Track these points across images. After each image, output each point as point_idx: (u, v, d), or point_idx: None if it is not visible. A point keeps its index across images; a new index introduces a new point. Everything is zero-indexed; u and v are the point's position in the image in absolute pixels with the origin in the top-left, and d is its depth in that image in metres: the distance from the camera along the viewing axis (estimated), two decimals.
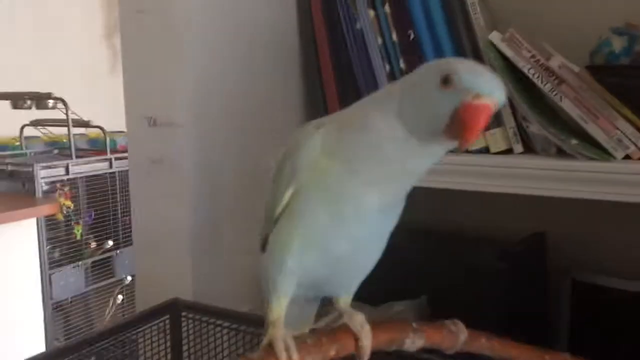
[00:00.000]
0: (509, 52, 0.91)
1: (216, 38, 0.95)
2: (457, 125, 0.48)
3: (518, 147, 0.94)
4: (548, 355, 0.64)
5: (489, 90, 0.48)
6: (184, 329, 0.84)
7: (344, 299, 0.62)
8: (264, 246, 0.61)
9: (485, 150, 0.96)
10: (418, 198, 1.17)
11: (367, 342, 0.55)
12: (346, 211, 0.54)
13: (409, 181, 0.55)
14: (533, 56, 0.90)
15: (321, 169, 0.54)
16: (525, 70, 0.90)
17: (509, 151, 0.95)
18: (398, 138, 0.51)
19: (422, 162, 0.54)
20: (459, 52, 0.96)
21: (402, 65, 1.01)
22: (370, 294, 1.07)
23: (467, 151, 0.95)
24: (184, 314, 0.83)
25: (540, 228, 1.11)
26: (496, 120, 0.94)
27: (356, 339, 0.56)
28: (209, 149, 0.93)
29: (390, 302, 1.06)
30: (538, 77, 0.90)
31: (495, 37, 0.92)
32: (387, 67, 1.02)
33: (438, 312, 1.04)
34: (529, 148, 0.94)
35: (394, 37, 1.01)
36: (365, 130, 0.53)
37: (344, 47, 1.06)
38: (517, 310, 1.00)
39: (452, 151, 0.87)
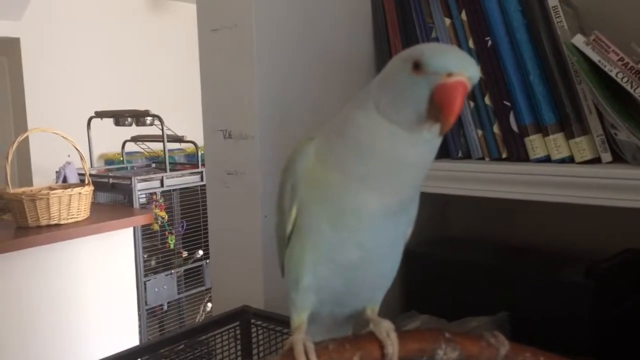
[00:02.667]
0: (594, 56, 0.86)
1: (288, 54, 0.97)
2: (436, 108, 0.47)
3: (606, 156, 0.88)
4: None
5: (459, 67, 0.48)
6: (254, 335, 0.85)
7: (371, 308, 0.60)
8: (283, 270, 0.60)
9: (570, 160, 0.90)
10: (500, 210, 1.14)
11: (392, 350, 0.53)
12: (349, 220, 0.52)
13: (411, 177, 0.53)
14: (621, 59, 0.84)
15: (318, 180, 0.53)
16: (613, 75, 0.84)
17: (595, 160, 0.89)
18: (383, 132, 0.50)
19: (418, 153, 0.51)
20: (540, 57, 0.92)
21: (479, 72, 0.98)
22: (448, 308, 1.05)
23: (550, 160, 0.90)
24: (253, 321, 0.85)
25: (631, 243, 1.02)
26: (581, 127, 0.89)
27: (382, 347, 0.53)
28: (279, 160, 0.94)
29: (467, 317, 1.02)
30: (627, 81, 0.84)
31: (579, 40, 0.87)
32: None
33: (519, 329, 0.99)
34: (618, 157, 0.87)
35: (471, 44, 0.98)
36: (350, 132, 0.52)
37: None
38: (607, 331, 0.93)
39: (534, 161, 0.83)
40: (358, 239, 0.53)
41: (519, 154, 0.93)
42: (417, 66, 0.48)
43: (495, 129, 0.96)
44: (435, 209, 1.25)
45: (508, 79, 0.94)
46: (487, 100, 0.96)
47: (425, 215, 1.20)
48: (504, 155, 0.95)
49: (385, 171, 0.51)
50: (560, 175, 0.86)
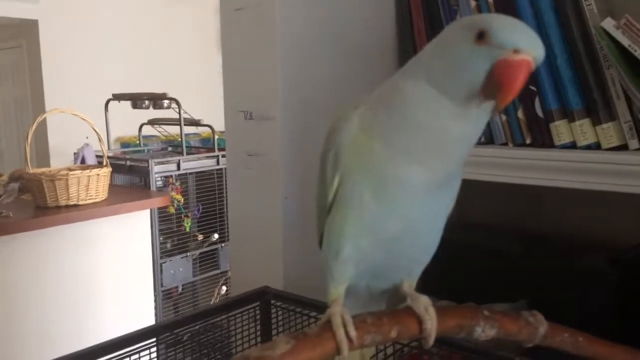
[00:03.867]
0: (625, 40, 0.84)
1: (311, 34, 0.96)
2: (494, 84, 0.45)
3: (634, 143, 0.86)
4: None
5: (528, 44, 0.45)
6: (273, 316, 0.85)
7: (409, 282, 0.59)
8: (321, 241, 0.60)
9: (596, 146, 0.89)
10: (521, 197, 1.12)
11: (431, 325, 0.52)
12: (392, 192, 0.51)
13: (455, 152, 0.51)
14: None
15: (362, 149, 0.52)
16: None
17: (622, 147, 0.87)
18: (431, 103, 0.48)
19: (465, 129, 0.49)
20: (568, 41, 0.90)
21: None
22: (465, 295, 1.04)
23: (576, 147, 0.89)
24: (273, 302, 0.85)
25: None
26: (609, 113, 0.87)
27: (420, 322, 0.52)
28: (301, 142, 0.94)
29: (487, 304, 1.02)
30: None
31: (608, 24, 0.85)
32: None
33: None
34: None
35: None
36: (396, 101, 0.50)
37: None
38: (631, 320, 0.92)
39: (559, 147, 0.81)
40: (400, 211, 0.52)
41: (543, 140, 0.92)
42: (482, 36, 0.46)
43: (520, 114, 0.94)
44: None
45: None
46: None
47: None
48: (528, 141, 0.94)
49: (429, 145, 0.49)
50: (586, 161, 0.85)
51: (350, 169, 0.53)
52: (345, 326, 0.49)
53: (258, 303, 0.85)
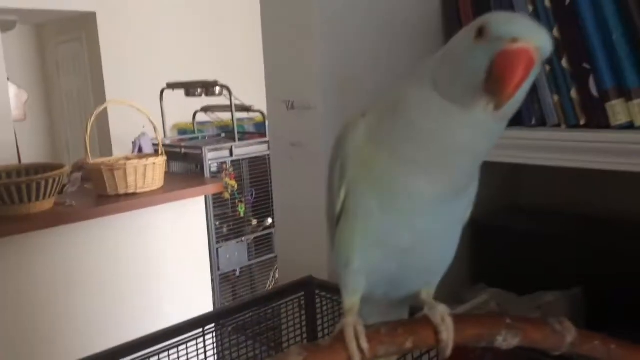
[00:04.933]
0: None
1: (351, 17, 0.94)
2: (494, 78, 0.42)
3: None
4: None
5: (526, 33, 0.42)
6: (318, 306, 0.86)
7: (427, 291, 0.57)
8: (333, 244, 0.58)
9: (629, 125, 0.83)
10: (575, 180, 1.07)
11: (448, 335, 0.50)
12: (400, 203, 0.49)
13: (464, 163, 0.48)
14: None
15: (367, 160, 0.50)
16: None
17: None
18: (436, 111, 0.46)
19: (472, 137, 0.46)
20: (624, 15, 0.84)
21: (555, 33, 0.91)
22: (518, 281, 1.01)
23: (633, 127, 0.84)
24: (317, 291, 0.85)
25: None
26: None
27: (437, 332, 0.50)
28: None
29: (540, 292, 0.99)
30: None
31: None
32: None
33: (595, 305, 0.95)
34: None
35: (547, 3, 0.92)
36: (402, 109, 0.48)
37: None
38: None
39: (615, 127, 0.77)
40: (409, 222, 0.51)
41: (598, 121, 0.87)
42: (481, 33, 0.44)
43: (573, 93, 0.90)
44: (505, 177, 1.20)
45: (588, 40, 0.87)
46: (564, 63, 0.90)
47: (494, 184, 1.17)
48: (582, 122, 0.89)
49: (436, 154, 0.47)
50: (621, 142, 0.80)
51: (356, 180, 0.52)
52: (357, 338, 0.48)
53: (303, 293, 0.85)
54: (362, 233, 0.52)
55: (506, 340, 0.51)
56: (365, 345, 0.48)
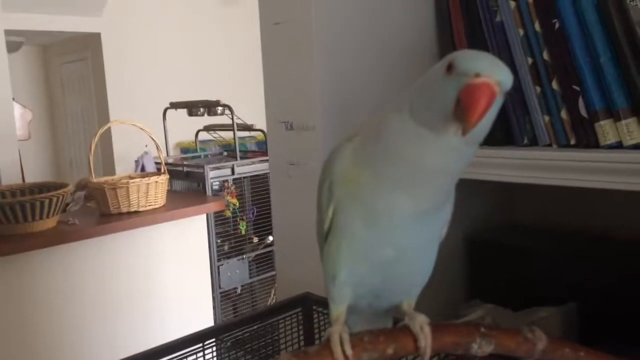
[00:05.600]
0: None
1: (348, 43, 0.97)
2: (461, 108, 0.48)
3: None
4: None
5: (488, 69, 0.48)
6: (315, 322, 0.88)
7: (408, 302, 0.62)
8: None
9: (618, 145, 0.86)
10: (568, 198, 1.10)
11: (425, 343, 0.54)
12: (382, 221, 0.54)
13: (439, 183, 0.54)
14: None
15: (353, 180, 0.55)
16: None
17: None
18: (412, 136, 0.51)
19: (445, 159, 0.52)
20: (611, 38, 0.87)
21: (545, 56, 0.94)
22: (513, 298, 1.03)
23: (622, 147, 0.86)
24: (314, 307, 0.87)
25: None
26: (633, 108, 0.84)
27: (416, 340, 0.55)
28: None
29: (534, 308, 1.00)
30: None
31: None
32: (529, 59, 0.96)
33: (589, 321, 0.96)
34: None
35: (537, 27, 0.95)
36: (382, 134, 0.53)
37: (484, 44, 1.02)
38: None
39: (604, 147, 0.80)
40: (391, 238, 0.55)
41: (588, 141, 0.90)
42: (450, 68, 0.50)
43: (563, 114, 0.92)
44: (500, 196, 1.22)
45: (577, 63, 0.90)
46: (554, 85, 0.93)
47: (490, 202, 1.19)
48: (572, 142, 0.92)
49: (413, 175, 0.52)
50: (632, 162, 0.82)
51: (343, 200, 0.56)
52: (342, 344, 0.52)
53: (300, 309, 0.87)
54: (348, 249, 0.57)
55: (481, 347, 0.55)
56: (349, 351, 0.52)
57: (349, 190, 0.56)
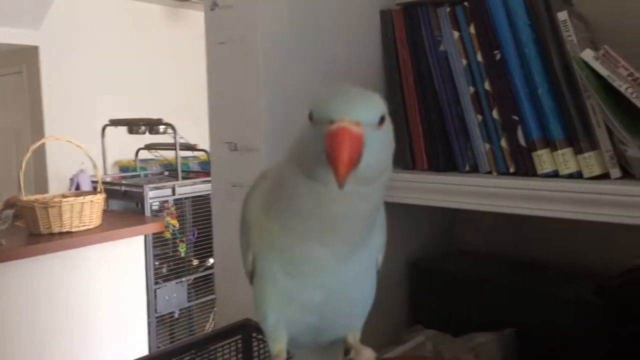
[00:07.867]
0: (603, 71, 0.85)
1: (296, 67, 0.97)
2: (327, 158, 0.44)
3: (615, 172, 0.86)
4: None
5: (341, 112, 0.44)
6: (255, 350, 0.85)
7: (353, 334, 0.59)
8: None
9: (578, 175, 0.89)
10: (508, 225, 1.12)
11: None
12: (302, 268, 0.52)
13: (354, 224, 0.50)
14: (631, 74, 0.83)
15: (266, 230, 0.53)
16: (622, 90, 0.83)
17: (604, 176, 0.87)
18: (305, 190, 0.48)
19: (346, 205, 0.48)
20: (549, 71, 0.91)
21: (487, 86, 0.97)
22: (454, 323, 1.04)
23: (558, 175, 0.89)
24: (254, 334, 0.85)
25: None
26: (590, 142, 0.87)
27: None
28: None
29: (473, 333, 1.01)
30: (637, 96, 0.83)
31: (588, 55, 0.86)
32: (472, 88, 0.99)
33: (527, 346, 0.98)
34: (627, 172, 0.86)
35: (479, 57, 0.98)
36: (281, 186, 0.51)
37: (428, 72, 1.04)
38: (617, 350, 0.91)
39: (542, 176, 0.82)
40: (315, 282, 0.53)
41: (526, 169, 0.92)
42: (310, 117, 0.47)
43: (503, 143, 0.95)
44: (441, 222, 1.24)
45: (516, 93, 0.93)
46: (494, 114, 0.96)
47: (431, 228, 1.20)
48: (511, 170, 0.94)
49: (320, 226, 0.50)
50: (568, 191, 0.85)
51: (259, 248, 0.54)
52: None
53: (240, 336, 0.84)
54: (273, 294, 0.54)
55: None
56: None
57: (263, 239, 0.54)
